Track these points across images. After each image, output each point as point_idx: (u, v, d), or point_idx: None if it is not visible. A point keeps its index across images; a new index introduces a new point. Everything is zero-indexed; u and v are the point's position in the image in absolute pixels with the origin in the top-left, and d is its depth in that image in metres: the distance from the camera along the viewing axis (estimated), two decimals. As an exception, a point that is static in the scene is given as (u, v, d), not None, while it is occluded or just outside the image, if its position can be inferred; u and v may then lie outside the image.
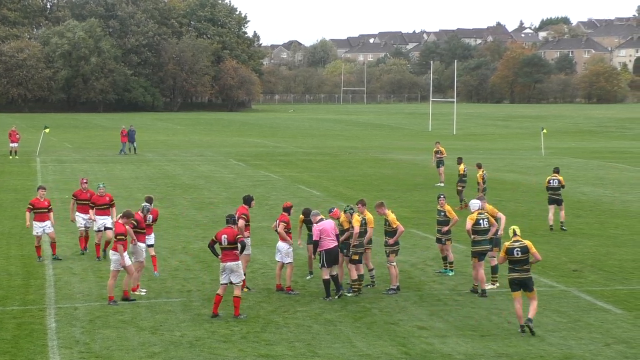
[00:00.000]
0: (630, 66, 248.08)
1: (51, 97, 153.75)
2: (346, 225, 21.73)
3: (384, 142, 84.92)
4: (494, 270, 22.42)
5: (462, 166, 38.57)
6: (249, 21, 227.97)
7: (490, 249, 22.49)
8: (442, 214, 23.85)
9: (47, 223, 25.59)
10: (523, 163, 60.06)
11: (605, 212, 36.10)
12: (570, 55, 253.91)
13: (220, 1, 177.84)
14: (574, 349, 17.49)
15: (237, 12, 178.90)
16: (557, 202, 31.83)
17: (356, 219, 21.52)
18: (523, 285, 18.68)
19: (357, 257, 21.45)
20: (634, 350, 17.45)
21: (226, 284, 19.64)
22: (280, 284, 21.89)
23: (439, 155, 46.62)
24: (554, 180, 32.11)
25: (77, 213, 26.46)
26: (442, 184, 45.20)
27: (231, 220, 20.16)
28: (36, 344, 17.48)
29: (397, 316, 19.75)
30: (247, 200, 22.58)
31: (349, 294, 21.42)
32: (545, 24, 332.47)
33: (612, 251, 27.70)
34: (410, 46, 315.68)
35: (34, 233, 25.56)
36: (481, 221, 21.72)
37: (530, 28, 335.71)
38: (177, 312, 19.90)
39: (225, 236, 19.72)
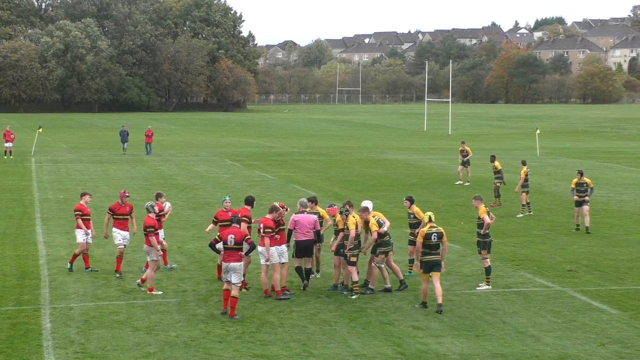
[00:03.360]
0: (625, 66, 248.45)
1: (46, 97, 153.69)
2: (341, 226, 21.76)
3: (379, 142, 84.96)
4: (488, 271, 22.42)
5: (497, 163, 38.84)
6: (244, 21, 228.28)
7: (479, 252, 22.49)
8: (412, 216, 23.58)
9: (90, 231, 24.29)
10: (518, 163, 59.96)
11: (599, 212, 36.11)
12: (565, 55, 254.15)
13: (215, 1, 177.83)
14: (569, 349, 17.50)
15: (232, 12, 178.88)
16: (582, 203, 31.57)
17: (352, 221, 21.48)
18: (434, 266, 20.32)
19: (355, 259, 21.42)
20: (629, 350, 17.47)
21: (230, 281, 19.75)
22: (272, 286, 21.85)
23: (464, 155, 46.61)
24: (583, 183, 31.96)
25: (114, 229, 23.91)
26: (468, 183, 45.73)
27: (235, 220, 20.25)
28: (31, 344, 17.45)
29: (392, 316, 19.75)
30: (250, 201, 22.40)
31: (353, 296, 21.37)
32: (540, 24, 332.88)
33: (607, 251, 27.73)
34: (405, 46, 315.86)
35: (81, 240, 24.13)
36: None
37: (525, 28, 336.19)
38: (172, 313, 19.89)
39: (233, 236, 19.75)
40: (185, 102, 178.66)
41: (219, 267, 22.58)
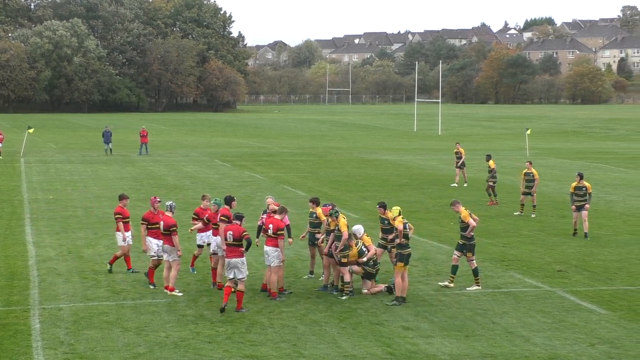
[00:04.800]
0: (614, 67, 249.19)
1: (35, 97, 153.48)
2: (332, 226, 21.79)
3: (369, 142, 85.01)
4: (476, 272, 22.40)
5: (491, 162, 39.00)
6: (233, 21, 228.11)
7: (465, 254, 22.40)
8: (386, 222, 22.94)
9: (129, 233, 23.89)
10: (507, 163, 60.13)
11: (589, 213, 36.13)
12: (555, 55, 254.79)
13: (205, 2, 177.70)
14: (559, 349, 17.53)
15: (222, 13, 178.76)
16: (582, 207, 30.62)
17: (343, 223, 21.53)
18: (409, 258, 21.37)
19: (345, 260, 21.42)
20: (618, 350, 17.50)
21: (233, 278, 20.07)
22: (266, 284, 21.86)
23: (459, 157, 46.20)
24: (582, 187, 30.78)
25: (148, 238, 22.57)
26: (465, 184, 45.55)
27: (236, 216, 20.59)
28: (20, 345, 17.40)
29: (382, 317, 19.76)
30: (228, 201, 22.31)
31: (343, 297, 21.36)
32: (529, 25, 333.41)
33: (596, 251, 27.78)
34: (395, 47, 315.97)
35: (122, 243, 23.74)
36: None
37: (514, 29, 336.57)
38: (161, 313, 19.86)
39: (231, 232, 20.15)
40: (175, 103, 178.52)
41: (214, 270, 22.43)
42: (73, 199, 39.90)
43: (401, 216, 21.46)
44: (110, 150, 65.10)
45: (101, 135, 67.56)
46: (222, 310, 19.75)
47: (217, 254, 22.07)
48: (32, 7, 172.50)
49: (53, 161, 59.16)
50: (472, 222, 22.29)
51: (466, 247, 22.36)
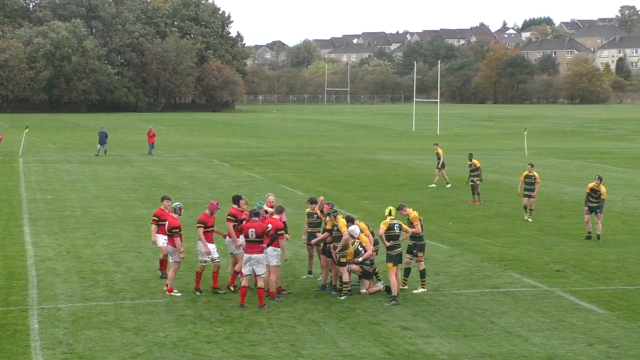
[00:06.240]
0: (612, 67, 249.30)
1: (33, 97, 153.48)
2: (329, 226, 21.82)
3: (368, 142, 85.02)
4: (423, 274, 22.27)
5: (476, 161, 39.17)
6: (232, 21, 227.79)
7: (416, 254, 22.24)
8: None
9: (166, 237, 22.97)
10: (506, 163, 60.20)
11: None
12: (553, 55, 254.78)
13: (203, 1, 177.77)
14: (557, 349, 17.53)
15: (220, 12, 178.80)
16: (595, 210, 30.08)
17: (342, 223, 21.54)
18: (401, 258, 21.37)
19: (345, 260, 21.43)
20: (617, 350, 17.50)
21: (249, 275, 20.52)
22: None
23: (438, 157, 45.82)
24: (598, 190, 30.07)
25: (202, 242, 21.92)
26: (448, 185, 45.25)
27: (254, 213, 20.89)
28: (19, 345, 17.39)
29: (381, 316, 19.76)
30: (236, 200, 22.31)
31: (342, 297, 21.35)
32: (528, 25, 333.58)
33: (595, 251, 27.78)
34: (393, 46, 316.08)
35: (160, 245, 23.01)
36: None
37: (513, 29, 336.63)
38: (160, 313, 19.85)
39: (253, 230, 20.52)
40: (174, 103, 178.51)
41: (234, 274, 22.04)
42: (71, 199, 39.88)
43: (391, 216, 21.34)
44: (105, 151, 64.74)
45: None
46: (242, 307, 20.30)
47: (233, 253, 22.14)
48: (31, 7, 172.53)
49: (51, 161, 59.14)
50: (417, 228, 22.15)
51: (416, 247, 22.21)
